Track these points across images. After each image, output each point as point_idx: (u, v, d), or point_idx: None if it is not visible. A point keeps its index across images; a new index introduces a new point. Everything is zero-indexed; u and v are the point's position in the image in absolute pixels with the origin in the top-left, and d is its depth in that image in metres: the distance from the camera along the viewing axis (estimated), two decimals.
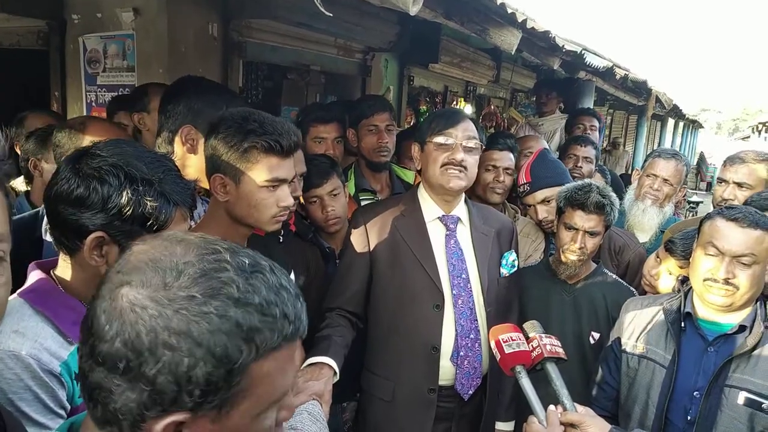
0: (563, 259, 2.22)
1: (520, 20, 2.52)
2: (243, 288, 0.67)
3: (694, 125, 25.51)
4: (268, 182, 1.56)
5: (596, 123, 4.30)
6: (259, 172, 1.55)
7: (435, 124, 1.99)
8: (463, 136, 1.96)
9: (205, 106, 1.79)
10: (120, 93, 3.20)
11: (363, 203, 2.69)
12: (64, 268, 1.20)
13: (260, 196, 1.57)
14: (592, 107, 5.29)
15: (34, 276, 1.19)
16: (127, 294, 0.65)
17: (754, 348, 1.65)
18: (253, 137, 1.54)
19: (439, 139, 1.96)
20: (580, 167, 3.36)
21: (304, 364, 1.74)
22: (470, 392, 2.01)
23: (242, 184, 1.56)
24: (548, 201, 2.61)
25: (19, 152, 2.58)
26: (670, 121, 15.27)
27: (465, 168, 1.96)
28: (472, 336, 2.00)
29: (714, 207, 2.33)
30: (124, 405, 0.64)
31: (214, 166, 1.58)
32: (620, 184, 3.97)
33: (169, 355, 0.63)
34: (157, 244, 0.71)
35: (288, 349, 0.71)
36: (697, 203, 12.36)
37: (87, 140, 1.80)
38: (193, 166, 1.79)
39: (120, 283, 0.67)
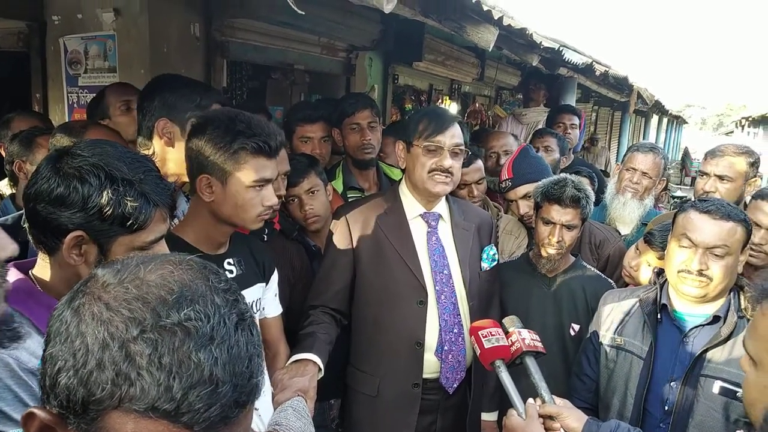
0: (543, 253, 2.24)
1: (496, 17, 2.54)
2: (176, 350, 0.58)
3: (678, 121, 25.80)
4: (255, 182, 1.57)
5: (576, 120, 4.31)
6: (247, 173, 1.56)
7: (423, 128, 1.99)
8: (451, 142, 1.98)
9: (178, 99, 1.78)
10: None
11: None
12: (43, 268, 1.20)
13: (247, 197, 1.58)
14: (574, 104, 5.34)
15: (11, 276, 1.19)
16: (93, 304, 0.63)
17: (728, 338, 1.67)
18: (243, 139, 1.54)
19: (428, 145, 1.97)
20: None
21: (289, 361, 1.76)
22: (455, 385, 2.04)
23: (229, 185, 1.56)
24: (530, 196, 2.63)
25: (4, 154, 2.55)
26: (654, 117, 15.43)
27: (451, 174, 1.99)
28: (455, 330, 2.03)
29: None
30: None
31: (199, 166, 1.58)
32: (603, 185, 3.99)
33: (56, 349, 0.62)
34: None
35: (158, 426, 0.58)
36: (682, 198, 12.48)
37: None
38: (173, 159, 1.78)
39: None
